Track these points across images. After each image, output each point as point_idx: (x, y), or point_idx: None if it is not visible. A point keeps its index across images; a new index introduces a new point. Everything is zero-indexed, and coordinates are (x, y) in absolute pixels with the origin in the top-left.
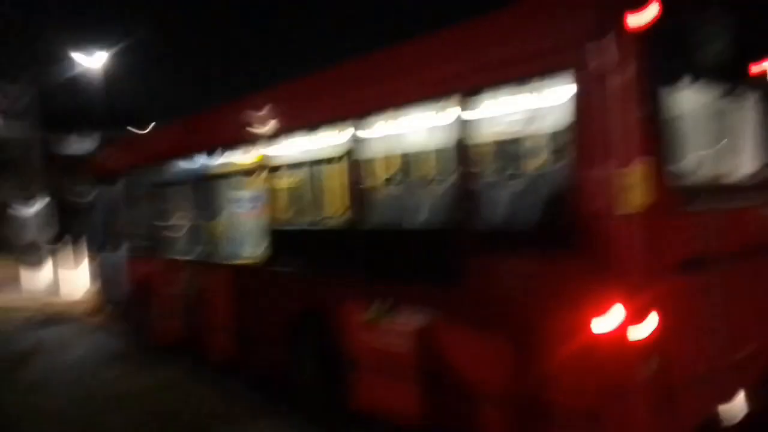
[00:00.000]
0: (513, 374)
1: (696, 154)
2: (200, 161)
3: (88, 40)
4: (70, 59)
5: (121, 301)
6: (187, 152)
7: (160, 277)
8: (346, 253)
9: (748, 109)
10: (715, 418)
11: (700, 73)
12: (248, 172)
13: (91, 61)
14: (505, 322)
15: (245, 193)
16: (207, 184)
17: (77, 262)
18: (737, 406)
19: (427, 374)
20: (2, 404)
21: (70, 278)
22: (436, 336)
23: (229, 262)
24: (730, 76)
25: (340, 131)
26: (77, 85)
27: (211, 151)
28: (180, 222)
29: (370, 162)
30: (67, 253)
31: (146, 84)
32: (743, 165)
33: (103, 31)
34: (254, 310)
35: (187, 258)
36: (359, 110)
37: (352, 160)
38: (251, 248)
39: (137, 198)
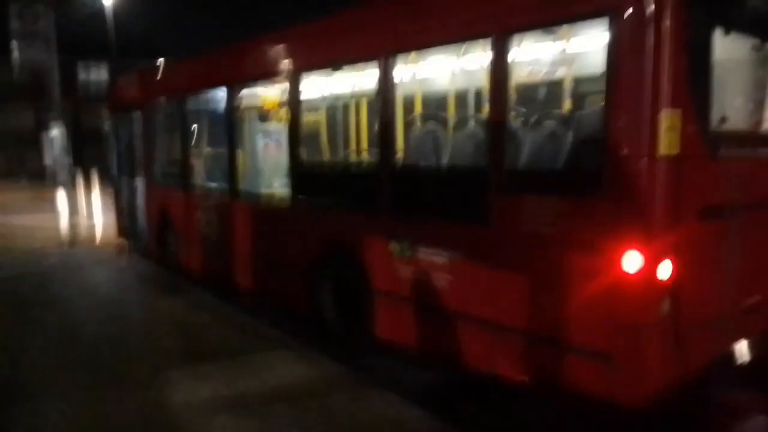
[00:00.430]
0: (533, 312)
1: (730, 103)
2: (228, 94)
3: None
4: None
5: (139, 229)
6: (215, 85)
7: (182, 207)
8: (375, 190)
9: None
10: (729, 357)
11: (740, 22)
12: (278, 106)
13: None
14: (529, 261)
15: (273, 128)
16: (235, 117)
17: (94, 189)
18: (741, 351)
19: (450, 309)
20: (27, 321)
21: (88, 204)
22: (462, 272)
23: (255, 196)
24: None
25: (372, 68)
26: (93, 11)
27: (239, 85)
28: (204, 154)
29: (400, 100)
30: (85, 179)
31: (159, 14)
32: None
33: None
34: (279, 242)
35: (212, 190)
36: (391, 48)
37: (384, 98)
38: (278, 182)
39: (159, 128)
